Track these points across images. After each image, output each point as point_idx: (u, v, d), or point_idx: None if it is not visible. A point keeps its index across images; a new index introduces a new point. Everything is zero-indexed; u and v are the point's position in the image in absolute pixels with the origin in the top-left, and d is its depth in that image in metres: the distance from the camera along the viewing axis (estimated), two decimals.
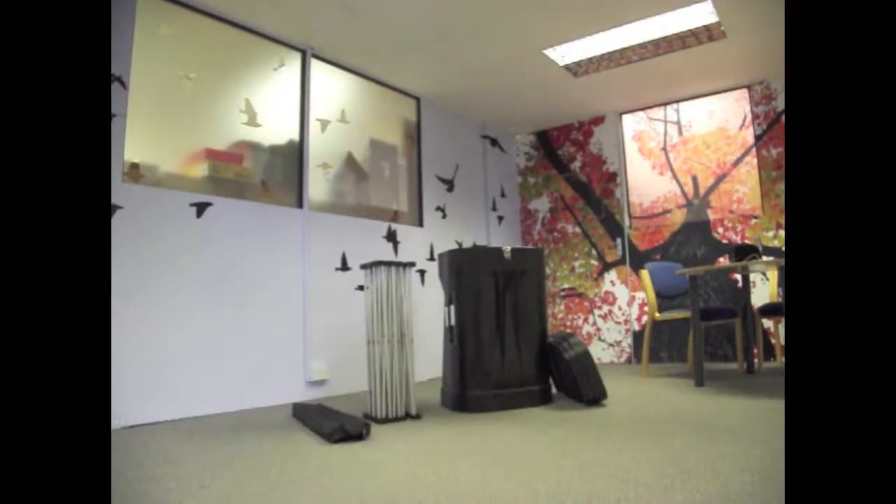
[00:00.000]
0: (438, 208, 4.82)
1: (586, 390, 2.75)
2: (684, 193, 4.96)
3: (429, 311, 4.42)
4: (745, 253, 3.42)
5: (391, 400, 2.61)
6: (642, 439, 1.99)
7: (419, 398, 3.26)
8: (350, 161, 4.16)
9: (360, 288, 3.92)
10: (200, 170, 3.24)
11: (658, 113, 5.13)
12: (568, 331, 3.01)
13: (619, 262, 5.17)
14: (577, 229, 5.44)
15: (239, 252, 3.24)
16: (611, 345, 5.16)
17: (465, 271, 2.90)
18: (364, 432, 2.21)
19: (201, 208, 3.09)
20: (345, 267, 3.85)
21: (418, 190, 4.69)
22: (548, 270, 5.48)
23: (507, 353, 2.85)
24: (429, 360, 4.35)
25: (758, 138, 4.65)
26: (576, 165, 5.51)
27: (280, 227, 3.51)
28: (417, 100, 4.76)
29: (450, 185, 4.97)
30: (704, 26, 3.75)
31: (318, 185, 3.86)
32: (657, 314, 3.89)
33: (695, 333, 3.39)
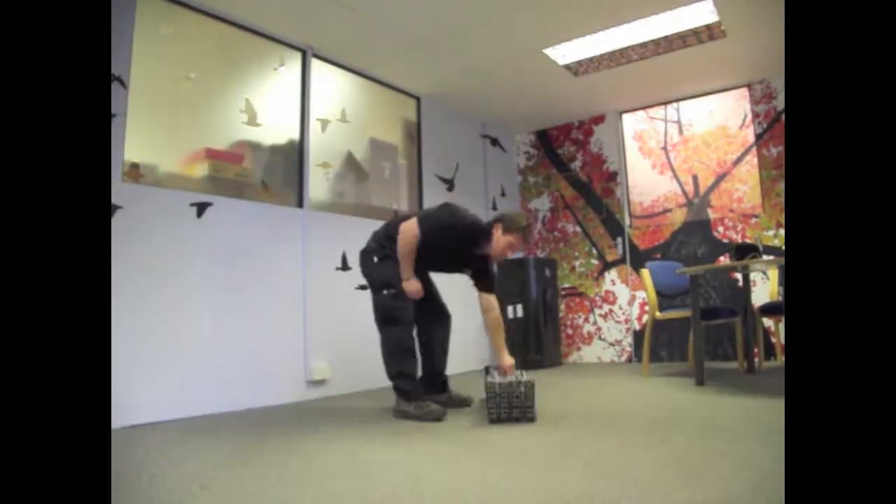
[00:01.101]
0: None
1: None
2: (685, 192, 4.96)
3: None
4: (745, 252, 3.42)
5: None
6: (643, 438, 1.99)
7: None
8: (350, 161, 4.16)
9: (361, 287, 3.92)
10: (200, 169, 3.24)
11: (658, 112, 5.13)
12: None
13: (620, 262, 5.17)
14: (578, 228, 5.44)
15: (239, 252, 3.24)
16: (611, 344, 5.16)
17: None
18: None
19: (201, 208, 3.09)
20: (345, 267, 3.85)
21: (418, 189, 4.69)
22: (548, 270, 5.47)
23: None
24: None
25: (758, 137, 4.65)
26: (576, 165, 5.51)
27: (280, 226, 3.51)
28: (417, 99, 4.75)
29: (450, 184, 4.97)
30: (705, 25, 3.75)
31: (318, 185, 3.86)
32: (658, 313, 3.89)
33: (695, 332, 3.39)
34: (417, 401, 2.60)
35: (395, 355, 2.66)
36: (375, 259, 2.75)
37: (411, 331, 2.72)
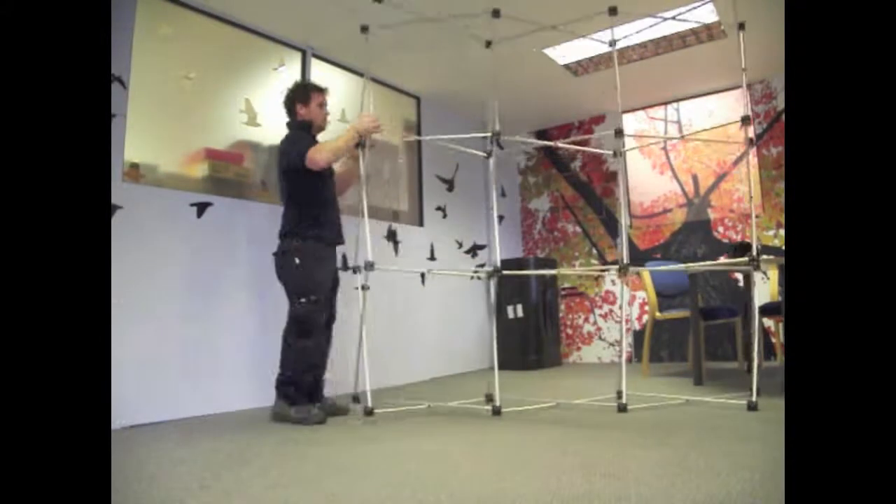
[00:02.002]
0: (439, 208, 4.82)
1: None
2: (685, 192, 4.96)
3: (429, 310, 4.42)
4: (743, 251, 3.41)
5: None
6: (643, 438, 1.99)
7: (422, 398, 3.26)
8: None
9: (361, 287, 3.91)
10: (200, 170, 3.24)
11: (658, 112, 5.13)
12: None
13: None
14: (578, 228, 5.44)
15: (239, 252, 3.24)
16: (611, 344, 5.15)
17: None
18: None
19: (201, 208, 3.09)
20: (345, 267, 3.84)
21: (418, 189, 4.69)
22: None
23: None
24: (429, 360, 4.35)
25: (758, 137, 4.65)
26: (576, 165, 5.51)
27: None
28: (417, 100, 4.75)
29: (450, 184, 4.97)
30: (704, 25, 3.75)
31: None
32: (658, 313, 3.89)
33: (694, 332, 3.39)
34: (299, 405, 2.60)
35: (299, 368, 2.63)
36: (297, 261, 2.64)
37: (320, 342, 2.71)
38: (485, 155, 3.09)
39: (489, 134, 2.87)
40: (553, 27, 3.17)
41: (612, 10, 2.87)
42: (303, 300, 2.62)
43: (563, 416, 2.52)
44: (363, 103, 2.97)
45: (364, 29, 2.84)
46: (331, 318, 2.83)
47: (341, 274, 3.90)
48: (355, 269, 2.72)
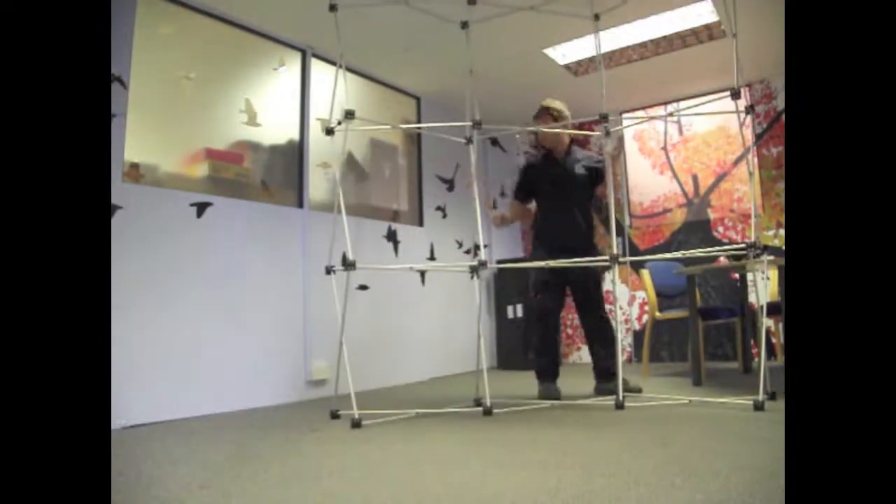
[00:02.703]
0: (439, 208, 4.82)
1: None
2: (685, 192, 4.96)
3: (429, 310, 4.42)
4: (739, 260, 3.41)
5: None
6: (643, 438, 1.99)
7: (419, 398, 3.26)
8: (350, 161, 4.15)
9: (362, 287, 3.92)
10: (200, 170, 3.24)
11: (658, 112, 5.13)
12: None
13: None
14: None
15: (239, 252, 3.24)
16: None
17: None
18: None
19: (201, 208, 3.09)
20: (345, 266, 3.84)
21: (418, 189, 4.69)
22: None
23: None
24: (429, 359, 4.35)
25: (758, 137, 4.65)
26: None
27: (280, 226, 3.50)
28: (417, 99, 4.75)
29: (450, 184, 4.97)
30: (704, 25, 3.75)
31: (318, 185, 3.86)
32: (657, 313, 3.88)
33: (692, 333, 3.39)
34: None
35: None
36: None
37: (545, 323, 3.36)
38: (464, 141, 3.13)
39: (469, 123, 2.98)
40: (531, 7, 3.20)
41: None
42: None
43: (562, 416, 2.51)
44: (334, 92, 2.97)
45: (332, 7, 2.90)
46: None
47: (341, 274, 3.90)
48: (329, 270, 2.74)
